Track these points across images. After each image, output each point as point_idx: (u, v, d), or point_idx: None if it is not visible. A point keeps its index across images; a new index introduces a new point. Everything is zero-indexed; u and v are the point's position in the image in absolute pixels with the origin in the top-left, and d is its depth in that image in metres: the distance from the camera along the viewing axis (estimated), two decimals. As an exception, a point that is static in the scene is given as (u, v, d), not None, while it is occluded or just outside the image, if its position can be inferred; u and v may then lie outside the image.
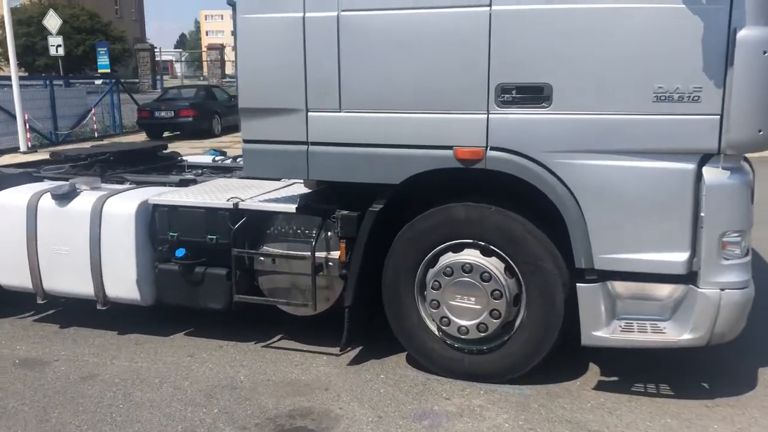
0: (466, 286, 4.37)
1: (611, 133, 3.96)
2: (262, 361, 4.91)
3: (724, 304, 3.92)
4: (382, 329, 4.76)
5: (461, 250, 4.42)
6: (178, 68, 67.34)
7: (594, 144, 3.99)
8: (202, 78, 64.97)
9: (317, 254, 4.77)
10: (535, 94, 4.03)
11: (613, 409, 4.15)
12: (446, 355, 4.54)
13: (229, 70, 59.78)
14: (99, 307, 5.31)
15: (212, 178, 6.09)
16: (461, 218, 4.37)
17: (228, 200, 4.94)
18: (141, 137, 22.05)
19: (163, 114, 21.30)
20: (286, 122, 4.53)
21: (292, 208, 4.78)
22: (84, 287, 5.28)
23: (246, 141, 4.67)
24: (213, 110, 22.24)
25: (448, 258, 4.43)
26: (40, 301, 5.48)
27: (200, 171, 6.65)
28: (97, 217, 5.15)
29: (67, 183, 5.42)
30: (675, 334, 4.04)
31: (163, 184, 5.83)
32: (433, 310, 4.46)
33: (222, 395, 4.39)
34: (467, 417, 4.09)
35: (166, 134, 21.73)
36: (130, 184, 5.86)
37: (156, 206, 5.12)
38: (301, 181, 5.29)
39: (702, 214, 3.88)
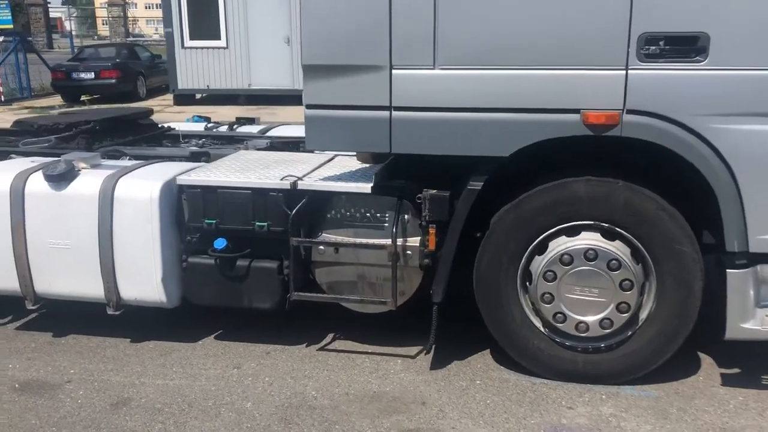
0: (588, 276, 3.71)
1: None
2: (326, 369, 4.11)
3: None
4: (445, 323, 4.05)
5: (577, 233, 3.75)
6: (68, 26, 63.04)
7: (757, 106, 3.36)
8: (96, 37, 61.08)
9: (386, 241, 3.99)
10: (687, 46, 3.35)
11: (762, 410, 3.64)
12: (556, 355, 3.89)
13: (136, 28, 56.40)
14: (110, 311, 4.34)
15: (225, 151, 5.12)
16: (581, 196, 3.68)
17: (282, 179, 4.06)
18: (55, 101, 20.10)
19: (82, 75, 19.37)
20: (363, 82, 3.69)
21: (365, 187, 3.95)
22: (91, 289, 4.29)
23: (309, 106, 3.79)
24: (137, 71, 20.49)
25: (563, 243, 3.74)
26: (30, 307, 4.45)
27: (200, 141, 5.66)
28: (107, 202, 4.15)
29: (60, 159, 4.36)
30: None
31: (171, 158, 4.84)
32: (546, 305, 3.78)
33: (301, 419, 3.59)
34: (605, 431, 3.47)
35: (84, 98, 19.84)
36: (129, 159, 4.84)
37: (185, 187, 4.16)
38: (350, 153, 4.49)
39: None
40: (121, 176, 4.22)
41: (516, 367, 4.02)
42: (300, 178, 4.05)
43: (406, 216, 4.00)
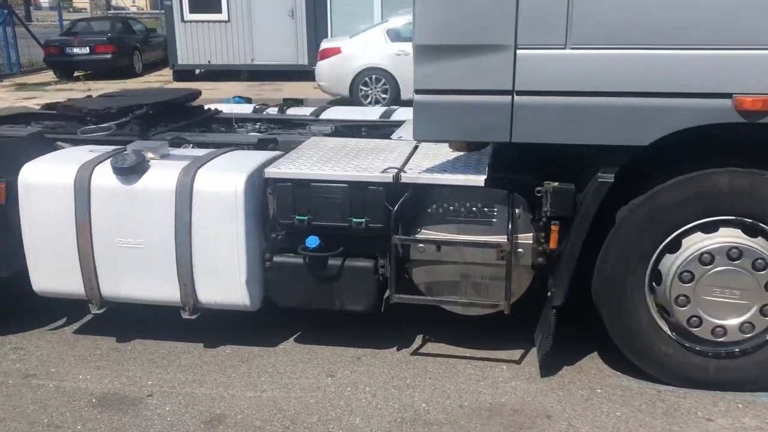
0: (730, 277, 3.39)
1: None
2: (429, 377, 3.78)
3: None
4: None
5: (715, 229, 3.43)
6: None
7: None
8: (71, 10, 59.49)
9: (498, 238, 3.65)
10: None
11: None
12: (685, 361, 3.59)
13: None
14: (186, 315, 3.96)
15: (290, 137, 4.72)
16: (724, 189, 3.35)
17: (383, 171, 3.68)
18: (47, 77, 19.41)
19: (76, 50, 18.68)
20: (483, 64, 3.31)
21: (478, 180, 3.59)
22: (165, 291, 3.91)
23: (420, 91, 3.41)
24: (132, 45, 19.82)
25: (700, 241, 3.42)
26: (95, 311, 4.06)
27: (256, 126, 5.25)
28: (186, 197, 3.76)
29: (128, 149, 3.95)
30: None
31: (238, 146, 4.43)
32: (680, 308, 3.46)
33: (421, 437, 3.27)
34: (756, 446, 3.19)
35: (78, 73, 19.15)
36: (192, 147, 4.44)
37: (273, 180, 3.78)
38: (439, 142, 4.12)
39: None
40: (199, 168, 3.82)
41: (633, 372, 3.72)
42: (402, 170, 3.67)
43: (517, 210, 3.65)
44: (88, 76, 18.73)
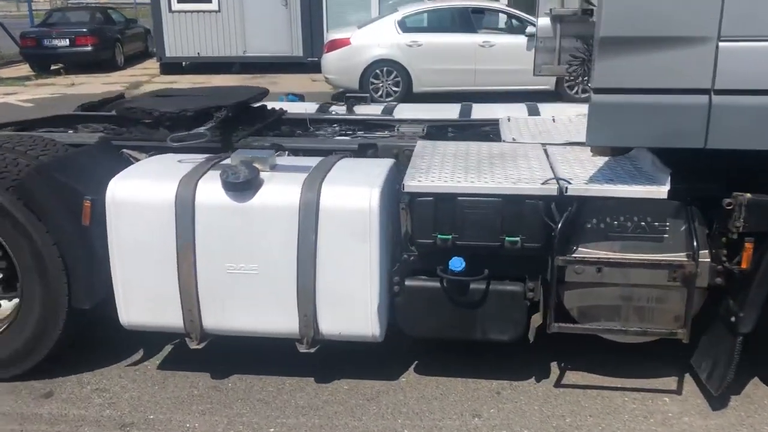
0: None
1: None
2: (590, 415, 3.35)
3: None
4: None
5: None
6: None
7: None
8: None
9: (674, 256, 3.22)
10: None
11: None
12: None
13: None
14: (303, 349, 3.45)
15: (388, 141, 4.21)
16: None
17: (545, 182, 3.22)
18: (22, 70, 18.39)
19: (55, 42, 17.69)
20: (675, 59, 2.87)
21: (661, 191, 3.14)
22: (281, 322, 3.40)
23: (599, 90, 2.96)
24: (113, 37, 18.88)
25: None
26: (194, 346, 3.51)
27: (334, 127, 4.73)
28: (311, 215, 3.24)
29: (238, 161, 3.42)
30: None
31: (337, 152, 3.91)
32: None
33: (619, 493, 2.82)
34: None
35: (55, 66, 18.20)
36: (288, 154, 3.91)
37: (413, 195, 3.28)
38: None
39: None
40: (320, 181, 3.31)
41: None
42: (568, 182, 3.21)
43: (696, 225, 3.22)
44: (67, 69, 17.81)
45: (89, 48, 17.82)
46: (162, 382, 3.68)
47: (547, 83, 12.07)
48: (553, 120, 4.68)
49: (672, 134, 2.98)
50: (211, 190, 3.32)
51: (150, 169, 3.58)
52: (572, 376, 3.68)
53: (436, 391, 3.55)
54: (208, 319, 3.45)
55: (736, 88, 2.87)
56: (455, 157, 3.68)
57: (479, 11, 13.00)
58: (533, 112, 4.97)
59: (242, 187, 3.27)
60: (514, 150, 3.84)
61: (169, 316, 3.46)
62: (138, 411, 3.43)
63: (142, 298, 3.46)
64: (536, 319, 3.71)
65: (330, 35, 13.17)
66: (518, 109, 4.99)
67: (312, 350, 3.46)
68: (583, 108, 3.95)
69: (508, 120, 4.57)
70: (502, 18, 13.25)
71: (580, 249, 3.31)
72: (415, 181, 3.28)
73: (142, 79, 16.60)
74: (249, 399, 3.52)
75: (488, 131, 4.58)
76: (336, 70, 12.54)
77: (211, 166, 3.44)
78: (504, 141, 4.12)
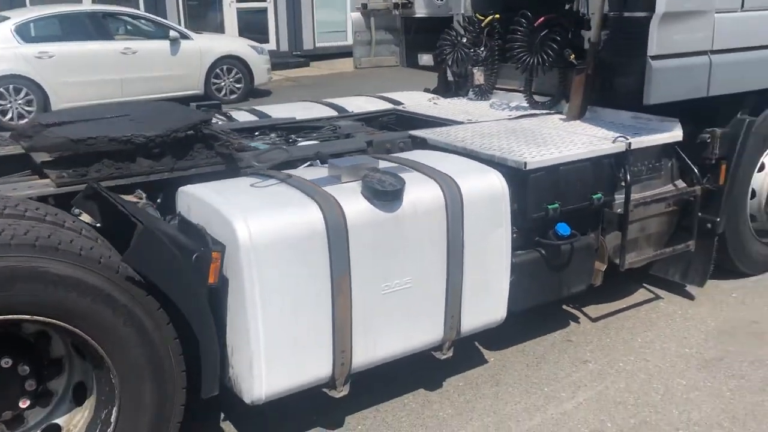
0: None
1: None
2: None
3: None
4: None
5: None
6: None
7: None
8: None
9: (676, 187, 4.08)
10: None
11: None
12: (770, 253, 4.62)
13: None
14: (443, 356, 3.28)
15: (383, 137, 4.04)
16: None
17: (614, 141, 3.66)
18: None
19: None
20: (699, 28, 3.67)
21: (679, 135, 3.90)
22: (428, 333, 3.17)
23: (657, 57, 3.56)
24: None
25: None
26: (341, 394, 2.98)
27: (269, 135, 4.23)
28: (458, 209, 3.10)
29: (379, 170, 3.03)
30: None
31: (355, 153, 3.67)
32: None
33: None
34: None
35: None
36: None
37: (533, 171, 3.38)
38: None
39: None
40: (450, 175, 3.16)
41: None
42: (627, 138, 3.71)
43: (681, 158, 4.07)
44: None
45: None
46: None
47: (197, 88, 11.91)
48: (435, 103, 5.05)
49: (696, 87, 3.77)
50: (358, 206, 2.88)
51: (248, 200, 2.84)
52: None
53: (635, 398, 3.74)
54: (357, 356, 2.98)
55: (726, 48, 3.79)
56: (501, 136, 3.82)
57: (112, 16, 11.91)
58: (342, 110, 4.93)
59: (395, 195, 2.93)
60: (521, 125, 4.13)
61: (316, 367, 2.89)
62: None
63: (287, 356, 2.79)
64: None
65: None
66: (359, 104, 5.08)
67: (450, 354, 3.30)
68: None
69: (436, 104, 4.80)
70: (143, 23, 12.28)
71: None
72: (536, 158, 3.38)
73: None
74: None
75: (386, 121, 4.72)
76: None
77: (374, 182, 2.93)
78: (461, 122, 4.33)
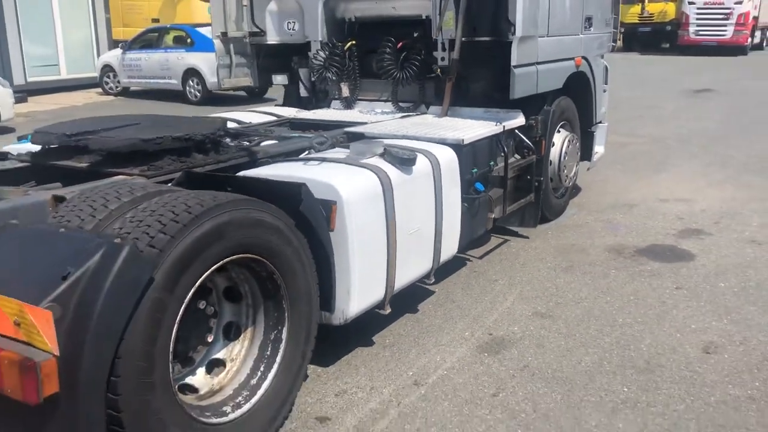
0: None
1: None
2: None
3: None
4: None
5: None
6: None
7: None
8: None
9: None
10: None
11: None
12: (559, 203, 6.71)
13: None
14: (430, 282, 4.57)
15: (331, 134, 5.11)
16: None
17: (497, 124, 5.29)
18: None
19: None
20: (538, 45, 5.56)
21: (522, 120, 5.69)
22: (423, 265, 4.45)
23: (518, 66, 5.29)
24: None
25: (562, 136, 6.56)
26: (387, 311, 4.11)
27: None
28: (438, 174, 4.42)
29: (396, 145, 4.33)
30: None
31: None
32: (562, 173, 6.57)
33: None
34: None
35: None
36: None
37: (465, 146, 4.81)
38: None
39: None
40: (427, 148, 4.49)
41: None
42: (503, 124, 5.36)
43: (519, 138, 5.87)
44: None
45: None
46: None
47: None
48: (314, 113, 6.27)
49: (533, 86, 5.57)
50: (393, 172, 4.05)
51: (323, 170, 3.84)
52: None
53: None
54: (394, 280, 4.13)
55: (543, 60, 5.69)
56: (418, 127, 5.17)
57: None
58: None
59: (414, 162, 4.16)
60: (416, 121, 5.52)
61: (376, 292, 3.98)
62: None
63: (366, 283, 3.85)
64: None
65: None
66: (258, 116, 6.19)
67: (434, 281, 4.59)
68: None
69: (314, 113, 6.02)
70: None
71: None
72: (466, 136, 4.81)
73: None
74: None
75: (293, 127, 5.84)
76: None
77: (399, 153, 4.13)
78: (364, 123, 5.60)
